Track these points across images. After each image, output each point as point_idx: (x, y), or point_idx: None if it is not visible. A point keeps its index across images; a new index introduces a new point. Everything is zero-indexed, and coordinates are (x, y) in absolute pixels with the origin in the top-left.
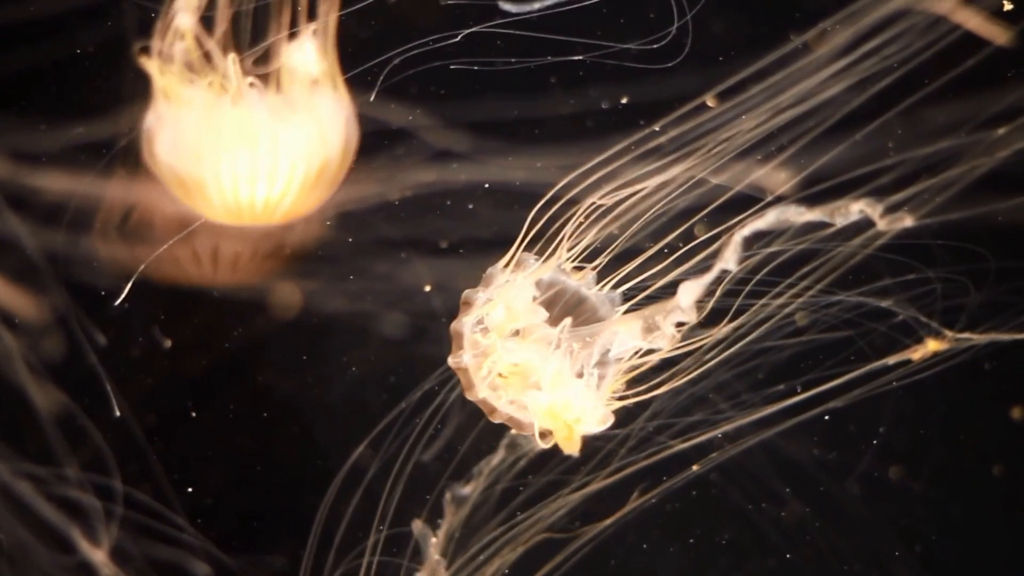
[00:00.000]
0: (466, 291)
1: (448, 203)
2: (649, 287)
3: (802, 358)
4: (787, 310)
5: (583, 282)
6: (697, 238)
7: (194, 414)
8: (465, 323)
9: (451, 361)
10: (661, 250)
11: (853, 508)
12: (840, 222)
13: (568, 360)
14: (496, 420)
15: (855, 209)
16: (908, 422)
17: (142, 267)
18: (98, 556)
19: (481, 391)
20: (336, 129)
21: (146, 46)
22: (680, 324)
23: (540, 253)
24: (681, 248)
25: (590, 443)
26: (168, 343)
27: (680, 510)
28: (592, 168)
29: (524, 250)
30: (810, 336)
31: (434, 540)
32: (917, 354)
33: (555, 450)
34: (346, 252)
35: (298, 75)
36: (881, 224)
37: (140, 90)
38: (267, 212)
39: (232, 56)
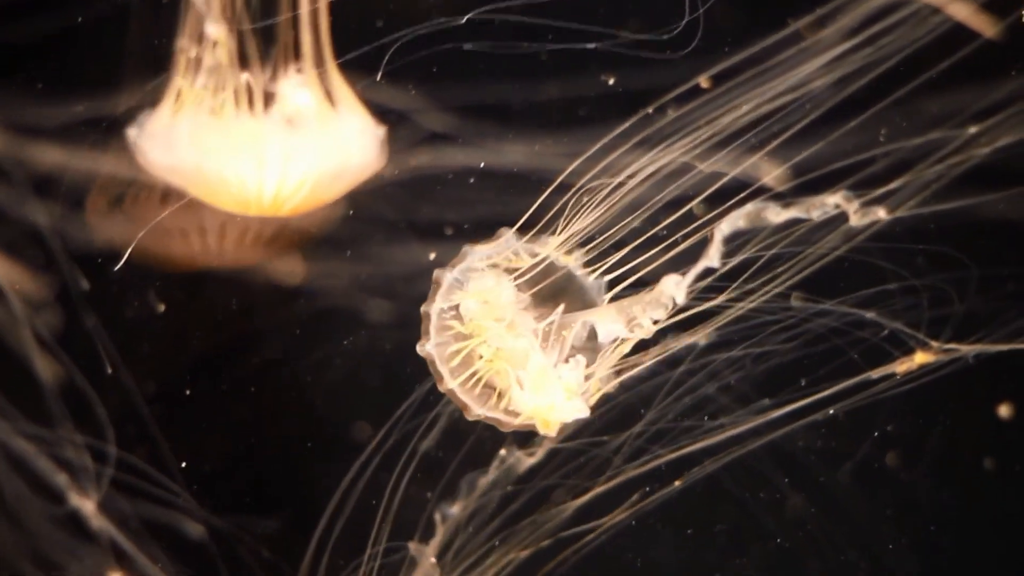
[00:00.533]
0: (436, 271)
1: (446, 181)
2: (637, 274)
3: (797, 364)
4: (770, 313)
5: (572, 264)
6: (687, 227)
7: (188, 391)
8: (434, 307)
9: (419, 349)
10: (649, 238)
11: (847, 498)
12: (817, 216)
13: (554, 352)
14: (470, 418)
15: (831, 203)
16: (903, 414)
17: (140, 234)
18: (87, 507)
19: (449, 382)
20: (354, 147)
21: (179, 47)
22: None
23: (532, 238)
24: (668, 236)
25: (588, 449)
26: (163, 314)
27: (676, 499)
28: (590, 155)
29: (513, 233)
30: (800, 343)
31: (433, 560)
32: (903, 367)
33: (550, 459)
34: (344, 232)
35: (303, 109)
36: (854, 219)
37: (144, 68)
38: (274, 207)
39: (250, 73)
